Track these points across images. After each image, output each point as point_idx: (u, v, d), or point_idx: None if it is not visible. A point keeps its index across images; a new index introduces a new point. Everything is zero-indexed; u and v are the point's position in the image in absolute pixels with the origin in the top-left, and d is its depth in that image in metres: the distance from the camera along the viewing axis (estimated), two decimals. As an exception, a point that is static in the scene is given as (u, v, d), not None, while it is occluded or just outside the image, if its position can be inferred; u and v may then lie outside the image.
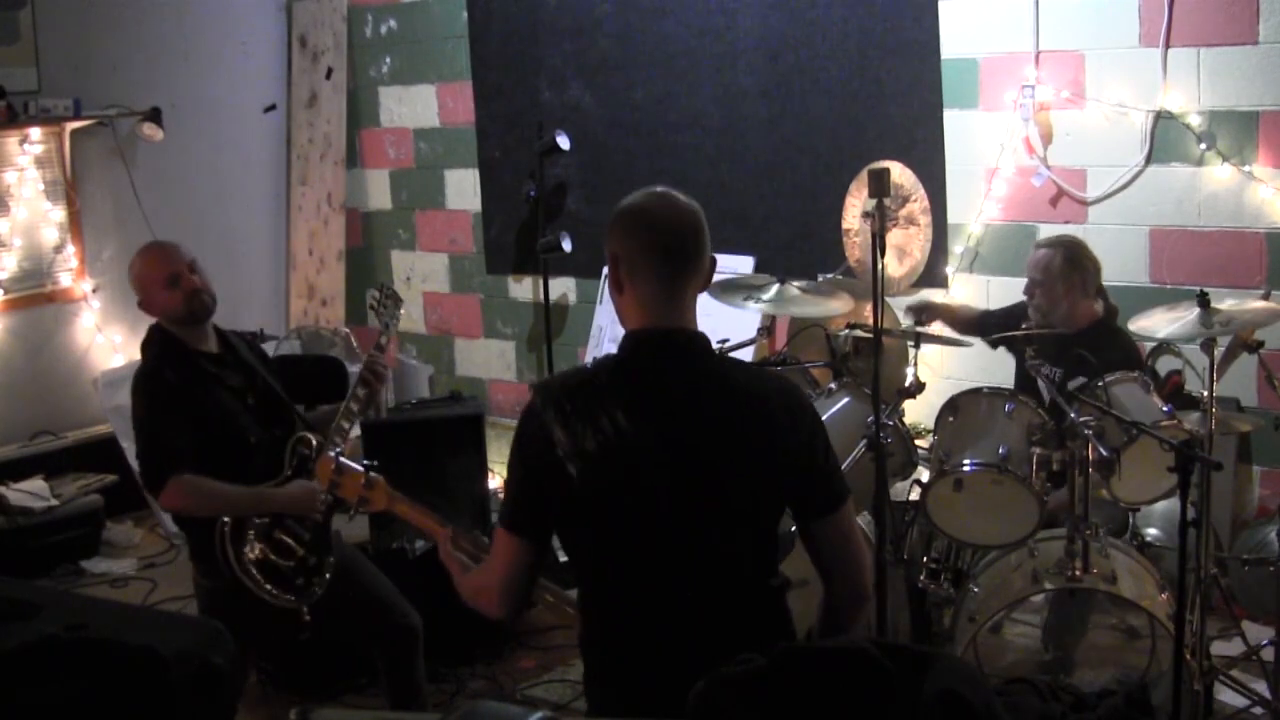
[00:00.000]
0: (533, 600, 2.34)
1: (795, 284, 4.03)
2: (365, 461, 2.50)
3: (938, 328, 4.35)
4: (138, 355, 3.45)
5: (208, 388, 3.35)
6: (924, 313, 4.37)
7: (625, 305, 2.20)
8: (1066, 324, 3.96)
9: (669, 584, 2.11)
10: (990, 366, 4.46)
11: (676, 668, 2.00)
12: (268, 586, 3.24)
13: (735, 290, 4.06)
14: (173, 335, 3.39)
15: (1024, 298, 4.09)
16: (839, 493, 2.21)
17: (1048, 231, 4.77)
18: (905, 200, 4.65)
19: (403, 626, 3.48)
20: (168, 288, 3.37)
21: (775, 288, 4.00)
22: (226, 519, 3.24)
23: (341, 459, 2.50)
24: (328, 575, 3.35)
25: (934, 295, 5.12)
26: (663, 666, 2.10)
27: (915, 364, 4.07)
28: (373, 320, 3.88)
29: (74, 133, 5.99)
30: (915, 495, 3.87)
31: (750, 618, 2.16)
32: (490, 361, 6.78)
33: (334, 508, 3.09)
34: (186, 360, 3.36)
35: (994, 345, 4.23)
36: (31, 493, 5.39)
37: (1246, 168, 4.41)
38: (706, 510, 2.10)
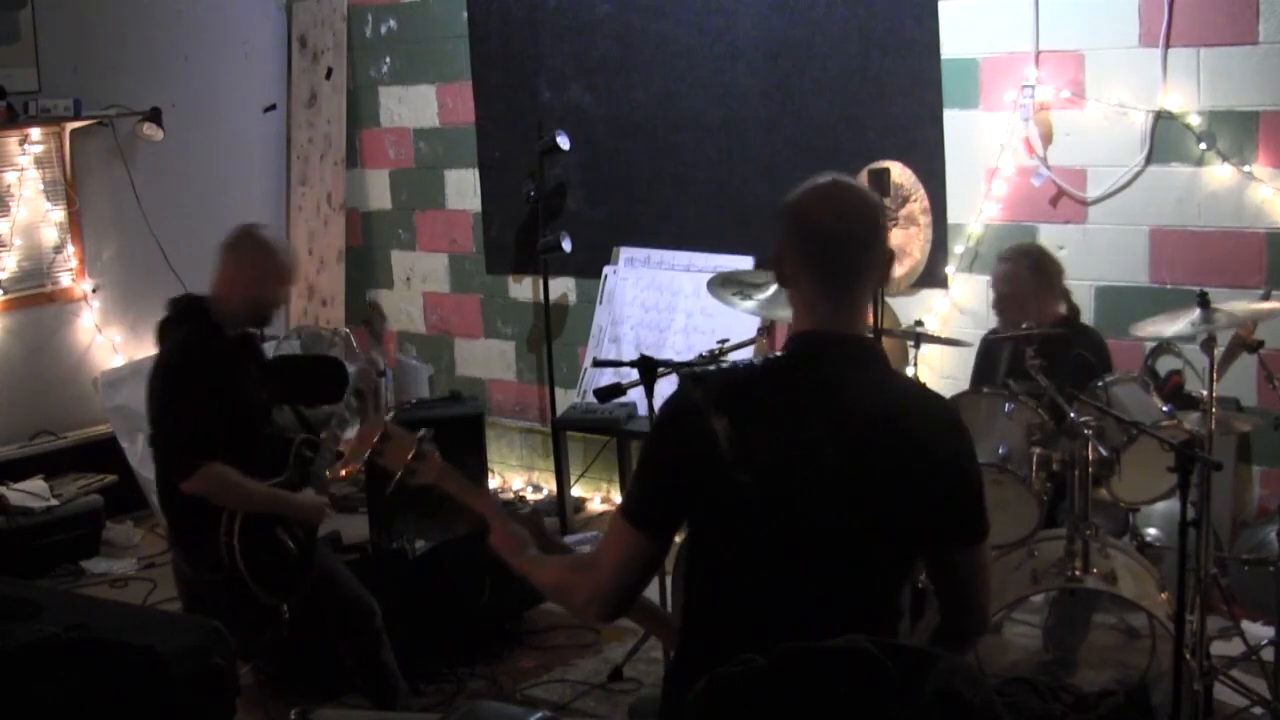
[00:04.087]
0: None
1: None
2: (421, 431, 2.32)
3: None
4: (138, 355, 3.46)
5: (236, 372, 3.36)
6: None
7: (794, 302, 2.09)
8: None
9: (809, 598, 2.01)
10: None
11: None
12: (257, 582, 3.25)
13: (731, 286, 4.05)
14: (209, 314, 3.37)
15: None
16: (985, 523, 2.14)
17: (1048, 231, 4.78)
18: (905, 200, 4.66)
19: (366, 614, 3.53)
20: (281, 285, 3.43)
21: (775, 287, 4.00)
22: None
23: (392, 424, 2.34)
24: (311, 575, 3.38)
25: (934, 296, 5.13)
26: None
27: (915, 364, 4.08)
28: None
29: (74, 133, 5.99)
30: (915, 495, 3.87)
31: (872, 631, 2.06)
32: (490, 361, 6.78)
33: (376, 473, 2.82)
34: (221, 340, 3.35)
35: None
36: (31, 493, 5.39)
37: (1246, 168, 4.41)
38: (871, 525, 2.01)
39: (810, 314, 2.05)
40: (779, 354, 2.10)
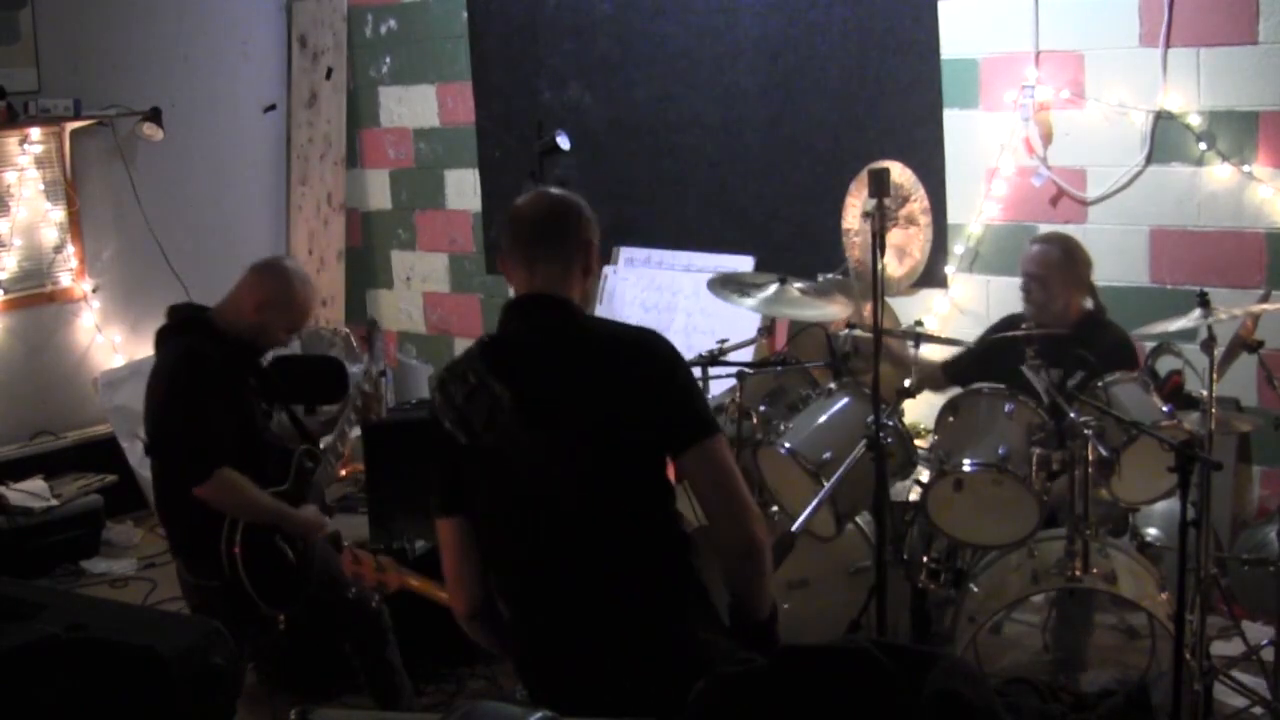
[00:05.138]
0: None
1: (796, 285, 4.03)
2: (371, 550, 2.73)
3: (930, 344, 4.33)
4: (138, 355, 3.45)
5: (239, 380, 3.36)
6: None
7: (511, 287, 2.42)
8: (1061, 320, 3.97)
9: (562, 535, 2.24)
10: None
11: (583, 624, 2.18)
12: (258, 591, 3.26)
13: (733, 285, 4.05)
14: (212, 325, 3.38)
15: (1019, 307, 4.10)
16: (703, 425, 2.30)
17: (1048, 231, 4.77)
18: (905, 200, 4.65)
19: (373, 613, 3.55)
20: (288, 317, 3.45)
21: (774, 286, 4.00)
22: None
23: (358, 551, 2.78)
24: (308, 587, 3.39)
25: (934, 296, 5.13)
26: (571, 625, 2.23)
27: (915, 364, 4.07)
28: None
29: (74, 133, 5.99)
30: (915, 495, 3.88)
31: (648, 563, 2.25)
32: (490, 361, 6.78)
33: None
34: (224, 346, 3.36)
35: (961, 382, 4.24)
36: (31, 493, 5.39)
37: (1246, 168, 4.41)
38: (582, 458, 2.23)
39: (516, 289, 2.39)
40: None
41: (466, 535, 2.33)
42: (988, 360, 4.06)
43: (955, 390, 3.97)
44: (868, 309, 3.49)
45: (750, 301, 4.03)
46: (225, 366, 3.31)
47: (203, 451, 3.20)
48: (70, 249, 6.08)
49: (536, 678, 2.32)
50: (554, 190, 2.46)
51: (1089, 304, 4.07)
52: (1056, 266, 3.97)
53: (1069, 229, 4.68)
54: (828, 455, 3.52)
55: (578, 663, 2.23)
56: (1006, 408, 3.63)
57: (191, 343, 3.32)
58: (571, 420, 2.24)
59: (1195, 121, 4.48)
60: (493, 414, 2.22)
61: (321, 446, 3.65)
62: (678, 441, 2.28)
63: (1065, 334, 3.91)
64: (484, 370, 2.25)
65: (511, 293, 2.43)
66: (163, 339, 3.41)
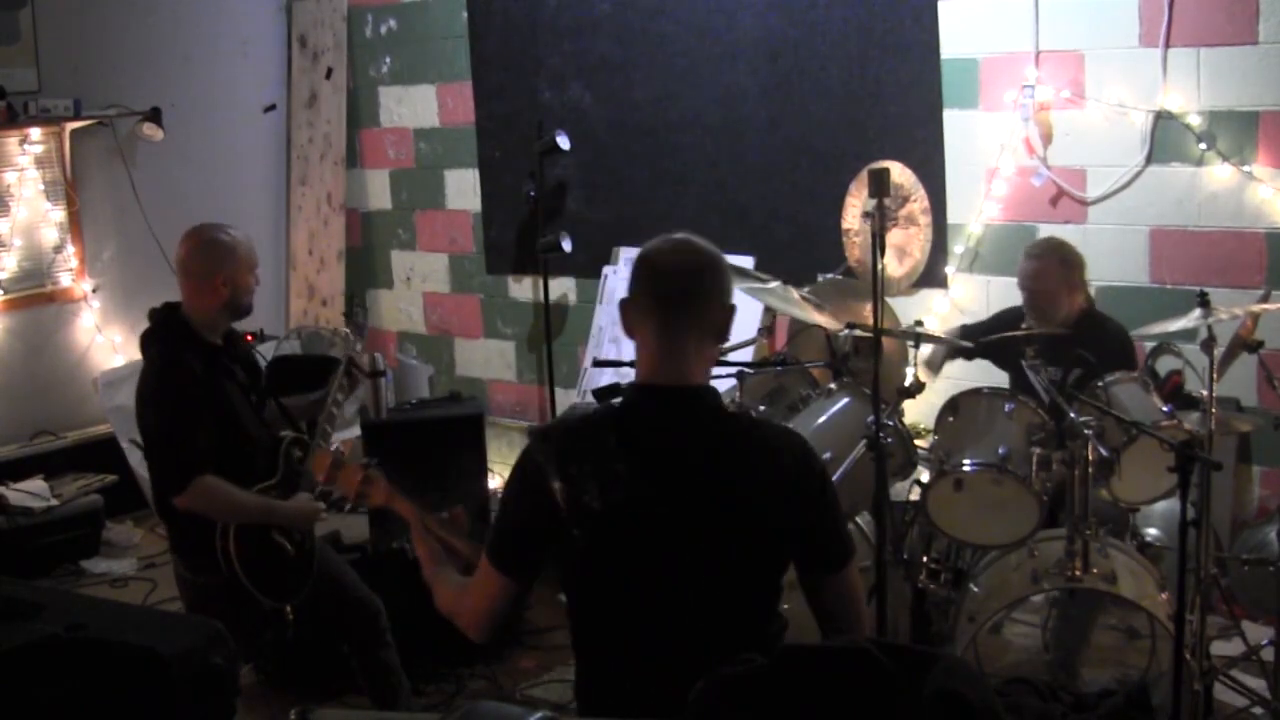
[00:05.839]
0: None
1: (797, 291, 4.02)
2: (365, 459, 2.53)
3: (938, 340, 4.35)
4: (138, 355, 3.43)
5: (221, 380, 3.35)
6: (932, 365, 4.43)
7: (636, 351, 2.18)
8: (1065, 323, 3.99)
9: (669, 639, 2.11)
10: (990, 367, 4.46)
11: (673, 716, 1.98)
12: (258, 586, 3.26)
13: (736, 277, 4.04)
14: (188, 324, 3.35)
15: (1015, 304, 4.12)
16: (844, 552, 2.20)
17: (1048, 231, 4.77)
18: (905, 200, 4.65)
19: (372, 614, 3.56)
20: (252, 256, 3.40)
21: (775, 285, 4.00)
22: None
23: (339, 453, 2.54)
24: (313, 574, 3.39)
25: (934, 296, 5.13)
26: (660, 714, 2.07)
27: (915, 364, 4.07)
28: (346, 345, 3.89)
29: (74, 133, 5.99)
30: (915, 495, 3.88)
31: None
32: (490, 361, 6.78)
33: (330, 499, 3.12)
34: (202, 350, 3.34)
35: (983, 354, 4.26)
36: (31, 493, 5.39)
37: (1246, 168, 4.41)
38: (708, 570, 2.10)
39: (649, 364, 2.15)
40: (618, 405, 2.20)
41: (509, 594, 2.19)
42: (999, 343, 4.09)
43: (955, 392, 3.97)
44: (868, 309, 3.49)
45: (749, 303, 4.02)
46: (205, 372, 3.29)
47: (179, 462, 3.21)
48: (70, 249, 6.08)
49: None
50: (697, 241, 2.17)
51: (1083, 300, 4.11)
52: (1056, 279, 4.01)
53: (1069, 229, 4.69)
54: (828, 455, 3.52)
55: None
56: (1006, 408, 3.63)
57: (169, 352, 3.29)
58: (710, 514, 2.09)
59: (1195, 121, 4.48)
60: (626, 500, 2.06)
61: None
62: (821, 564, 2.18)
63: (1065, 333, 3.92)
64: (619, 452, 2.08)
65: (606, 307, 2.26)
66: (145, 344, 3.40)
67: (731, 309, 2.18)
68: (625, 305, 2.16)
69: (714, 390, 2.18)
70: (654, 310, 2.12)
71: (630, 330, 2.17)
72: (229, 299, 3.35)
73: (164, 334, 3.35)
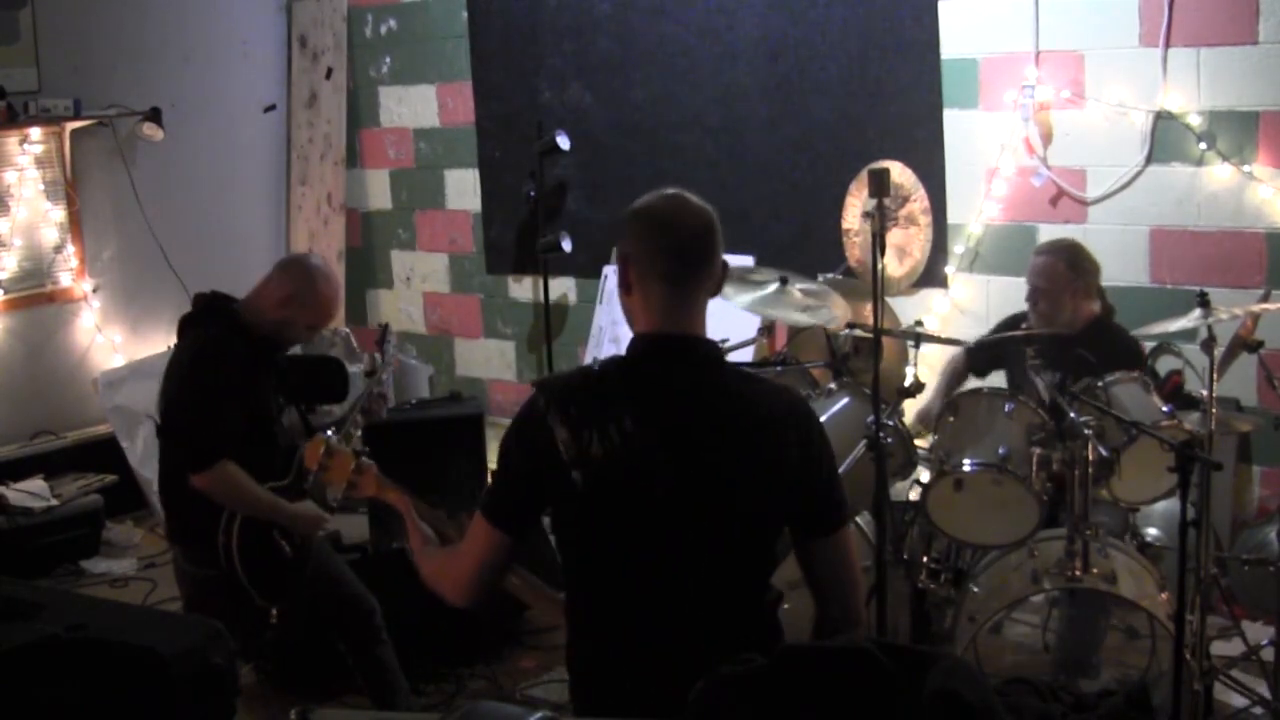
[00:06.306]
0: (503, 585, 2.32)
1: (797, 287, 4.02)
2: (357, 448, 2.52)
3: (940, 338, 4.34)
4: (138, 355, 3.45)
5: (261, 373, 3.38)
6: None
7: (634, 307, 2.18)
8: (1069, 328, 3.96)
9: (664, 592, 2.11)
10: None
11: (665, 675, 2.00)
12: (253, 583, 3.27)
13: (731, 285, 4.03)
14: (238, 314, 3.39)
15: (1022, 306, 4.09)
16: (840, 515, 2.21)
17: (1048, 231, 4.77)
18: (905, 200, 4.65)
19: (366, 612, 3.55)
20: (323, 315, 3.46)
21: (774, 285, 3.99)
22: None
23: (332, 440, 2.52)
24: (304, 581, 3.40)
25: (934, 296, 5.13)
26: (651, 673, 2.10)
27: (915, 364, 4.07)
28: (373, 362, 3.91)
29: (74, 133, 5.99)
30: (915, 495, 3.87)
31: (742, 629, 2.15)
32: (490, 361, 6.78)
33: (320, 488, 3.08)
34: (249, 339, 3.37)
35: (983, 373, 4.26)
36: (31, 493, 5.38)
37: (1246, 168, 4.41)
38: (708, 521, 2.10)
39: (653, 316, 2.15)
40: (621, 356, 2.19)
41: (499, 551, 2.17)
42: (1000, 353, 4.08)
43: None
44: (868, 309, 3.49)
45: (749, 303, 4.02)
46: (247, 360, 3.33)
47: (208, 442, 3.23)
48: (70, 249, 6.08)
49: (594, 705, 2.20)
50: (693, 198, 2.19)
51: (1097, 307, 4.03)
52: (1063, 280, 3.93)
53: (1069, 229, 4.68)
54: (828, 455, 3.52)
55: (651, 701, 2.07)
56: (1006, 408, 3.63)
57: (218, 334, 3.34)
58: (709, 471, 2.09)
59: (1195, 121, 4.48)
60: (628, 446, 2.05)
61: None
62: (817, 527, 2.19)
63: (1066, 334, 3.91)
64: (623, 398, 2.08)
65: (606, 307, 2.26)
66: (187, 325, 3.43)
67: (726, 264, 2.22)
68: (627, 260, 2.16)
69: (715, 342, 2.20)
70: (668, 263, 2.13)
71: (630, 284, 2.17)
72: (279, 321, 3.39)
73: (209, 318, 3.38)
